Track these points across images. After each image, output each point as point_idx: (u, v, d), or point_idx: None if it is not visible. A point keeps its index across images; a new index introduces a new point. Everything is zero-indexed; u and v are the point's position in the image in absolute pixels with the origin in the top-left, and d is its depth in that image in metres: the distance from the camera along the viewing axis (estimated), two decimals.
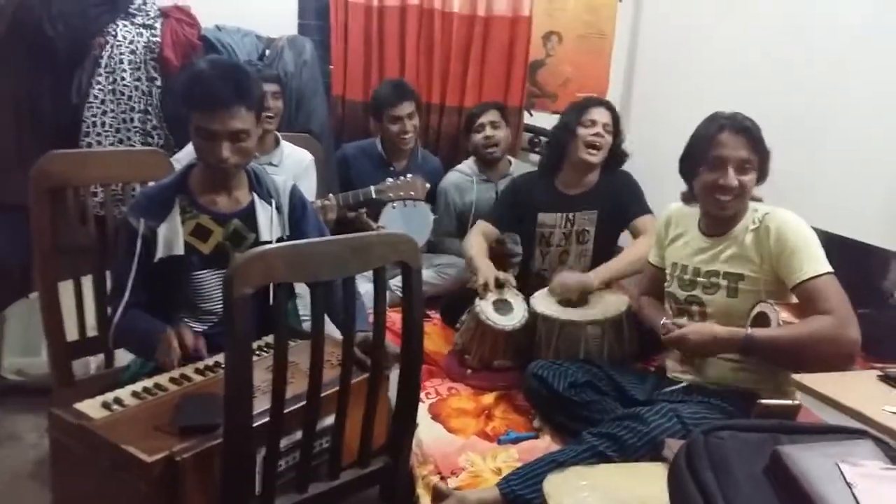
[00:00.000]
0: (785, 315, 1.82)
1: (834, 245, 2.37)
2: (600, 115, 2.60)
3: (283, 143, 2.78)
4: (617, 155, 2.68)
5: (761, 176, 1.96)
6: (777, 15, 2.84)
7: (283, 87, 2.84)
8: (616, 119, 2.66)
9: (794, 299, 1.89)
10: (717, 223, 2.01)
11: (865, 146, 2.44)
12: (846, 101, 2.51)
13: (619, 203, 2.65)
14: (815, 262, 1.83)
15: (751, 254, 1.93)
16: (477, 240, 2.69)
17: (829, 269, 1.83)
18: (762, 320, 1.88)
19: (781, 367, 1.89)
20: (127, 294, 1.76)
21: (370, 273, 1.43)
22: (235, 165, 1.79)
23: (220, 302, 1.81)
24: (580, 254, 2.68)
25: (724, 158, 1.91)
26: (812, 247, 1.85)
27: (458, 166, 3.34)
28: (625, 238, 2.80)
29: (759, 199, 2.03)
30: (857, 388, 1.53)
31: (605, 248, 2.69)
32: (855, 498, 1.03)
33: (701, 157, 1.96)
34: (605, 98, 3.58)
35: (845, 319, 1.77)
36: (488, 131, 3.18)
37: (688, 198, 2.10)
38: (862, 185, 2.43)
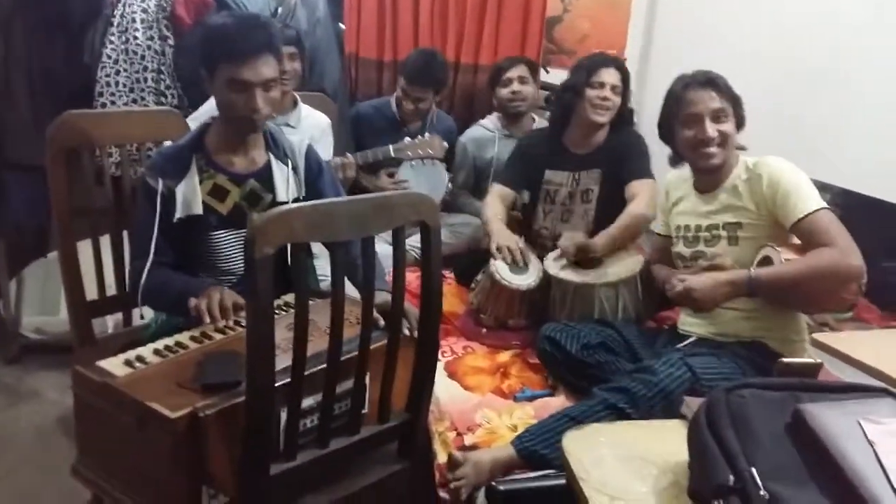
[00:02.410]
0: (788, 255, 1.84)
1: (856, 203, 2.36)
2: (609, 77, 2.54)
3: (302, 104, 2.75)
4: (623, 114, 2.63)
5: (739, 122, 1.99)
6: None
7: (300, 49, 2.80)
8: (626, 78, 2.60)
9: (795, 240, 1.91)
10: (710, 178, 2.04)
11: (886, 100, 2.39)
12: (873, 57, 2.46)
13: (622, 163, 2.60)
14: (809, 200, 1.85)
15: (746, 202, 1.95)
16: (494, 203, 2.65)
17: (824, 204, 1.85)
18: (767, 264, 1.89)
19: (790, 306, 1.93)
20: (152, 253, 1.76)
21: (386, 234, 1.43)
22: (266, 117, 1.79)
23: (238, 261, 1.85)
24: (583, 213, 2.65)
25: (697, 114, 1.96)
26: (804, 186, 1.87)
27: (482, 121, 3.30)
28: None
29: (743, 148, 2.05)
30: (877, 346, 1.53)
31: (608, 208, 2.66)
32: (877, 456, 1.03)
33: (674, 117, 2.01)
34: (622, 55, 3.53)
35: (846, 248, 1.78)
36: (515, 86, 3.13)
37: (674, 161, 2.14)
38: (881, 141, 2.39)
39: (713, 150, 1.96)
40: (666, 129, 2.07)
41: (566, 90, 2.60)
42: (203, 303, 1.63)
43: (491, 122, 3.27)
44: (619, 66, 2.60)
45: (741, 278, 1.83)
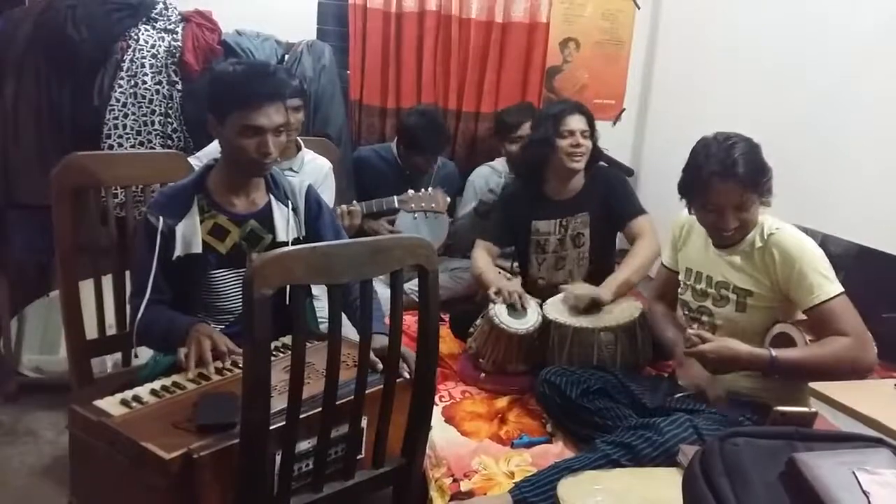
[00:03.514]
0: (809, 336, 1.83)
1: (854, 254, 2.37)
2: (577, 123, 2.56)
3: (305, 149, 2.79)
4: (594, 154, 2.64)
5: (764, 193, 1.92)
6: (795, 21, 2.83)
7: (305, 101, 2.84)
8: (591, 121, 2.62)
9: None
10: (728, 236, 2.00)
11: (886, 153, 2.42)
12: (866, 109, 2.49)
13: (609, 203, 2.63)
14: (826, 284, 1.82)
15: (759, 274, 1.93)
16: (481, 255, 2.67)
17: (841, 289, 1.82)
18: (783, 340, 1.87)
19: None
20: (148, 291, 1.77)
21: (386, 277, 1.45)
22: (274, 161, 1.82)
23: (237, 301, 1.86)
24: (577, 258, 2.66)
25: (720, 205, 1.90)
26: (820, 267, 1.84)
27: (491, 162, 3.42)
28: (621, 239, 2.77)
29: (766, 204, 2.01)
30: (873, 396, 1.53)
31: (603, 251, 2.68)
32: None
33: (696, 197, 1.95)
34: (621, 106, 3.61)
35: (864, 342, 1.78)
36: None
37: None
38: (883, 194, 2.41)
39: (729, 234, 1.93)
40: (686, 196, 2.00)
41: (535, 143, 2.61)
42: (192, 353, 1.62)
43: (500, 164, 3.37)
44: (583, 110, 2.62)
45: (762, 359, 1.81)
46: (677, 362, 2.09)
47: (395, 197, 2.78)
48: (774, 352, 1.80)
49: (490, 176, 3.33)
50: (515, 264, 3.01)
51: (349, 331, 1.63)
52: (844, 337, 1.77)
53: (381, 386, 1.51)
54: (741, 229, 1.94)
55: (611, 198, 2.63)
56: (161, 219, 1.79)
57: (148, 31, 2.95)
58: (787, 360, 1.80)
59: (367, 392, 1.45)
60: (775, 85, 2.87)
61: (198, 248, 1.82)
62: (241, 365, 1.61)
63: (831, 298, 1.80)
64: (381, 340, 1.62)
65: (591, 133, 2.61)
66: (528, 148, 2.70)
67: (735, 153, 1.86)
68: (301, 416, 1.34)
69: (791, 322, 1.87)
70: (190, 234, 1.81)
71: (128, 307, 1.91)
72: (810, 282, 1.82)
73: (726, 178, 1.85)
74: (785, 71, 2.84)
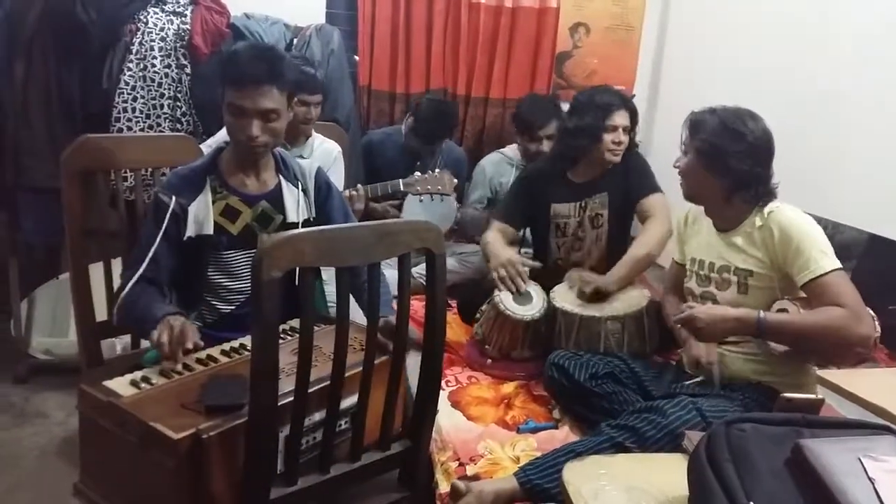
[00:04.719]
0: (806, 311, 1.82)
1: (861, 241, 2.36)
2: (622, 119, 2.57)
3: (315, 134, 2.80)
4: (628, 148, 2.65)
5: (715, 169, 1.93)
6: (804, 7, 2.81)
7: (325, 95, 2.82)
8: (634, 116, 2.62)
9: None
10: (722, 218, 2.03)
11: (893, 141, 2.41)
12: (876, 95, 2.48)
13: (627, 182, 2.63)
14: (822, 259, 1.81)
15: (759, 253, 1.94)
16: (494, 234, 2.67)
17: (838, 264, 1.82)
18: None
19: (797, 355, 1.89)
20: (143, 267, 1.76)
21: (394, 259, 1.45)
22: (264, 145, 1.81)
23: (248, 282, 1.85)
24: (595, 239, 2.66)
25: None
26: (818, 243, 1.84)
27: (502, 149, 3.38)
28: (636, 223, 2.77)
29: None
30: (881, 384, 1.53)
31: (620, 232, 2.68)
32: (877, 493, 1.03)
33: None
34: (631, 91, 3.58)
35: (858, 314, 1.77)
36: (545, 145, 3.12)
37: None
38: (891, 180, 2.40)
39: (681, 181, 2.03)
40: None
41: (580, 134, 2.57)
42: (165, 340, 1.57)
43: (511, 151, 3.34)
44: (629, 105, 2.63)
45: (750, 317, 1.81)
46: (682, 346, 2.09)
47: (401, 180, 2.78)
48: (762, 313, 1.81)
49: (501, 163, 3.31)
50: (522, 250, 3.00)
51: (358, 315, 1.64)
52: (838, 307, 1.76)
53: (381, 360, 1.50)
54: (685, 184, 2.01)
55: (629, 174, 2.63)
56: (173, 198, 1.80)
57: (157, 13, 2.95)
58: (775, 320, 1.81)
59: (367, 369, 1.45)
60: (785, 71, 2.86)
61: (209, 230, 1.83)
62: (249, 347, 1.62)
63: (827, 273, 1.80)
64: (385, 320, 1.62)
65: (632, 128, 2.62)
66: (571, 135, 2.62)
67: (711, 112, 1.95)
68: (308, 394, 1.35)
69: (790, 298, 1.87)
70: (202, 214, 1.82)
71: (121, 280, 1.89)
72: (807, 257, 1.82)
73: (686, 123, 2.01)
74: (794, 57, 2.83)
